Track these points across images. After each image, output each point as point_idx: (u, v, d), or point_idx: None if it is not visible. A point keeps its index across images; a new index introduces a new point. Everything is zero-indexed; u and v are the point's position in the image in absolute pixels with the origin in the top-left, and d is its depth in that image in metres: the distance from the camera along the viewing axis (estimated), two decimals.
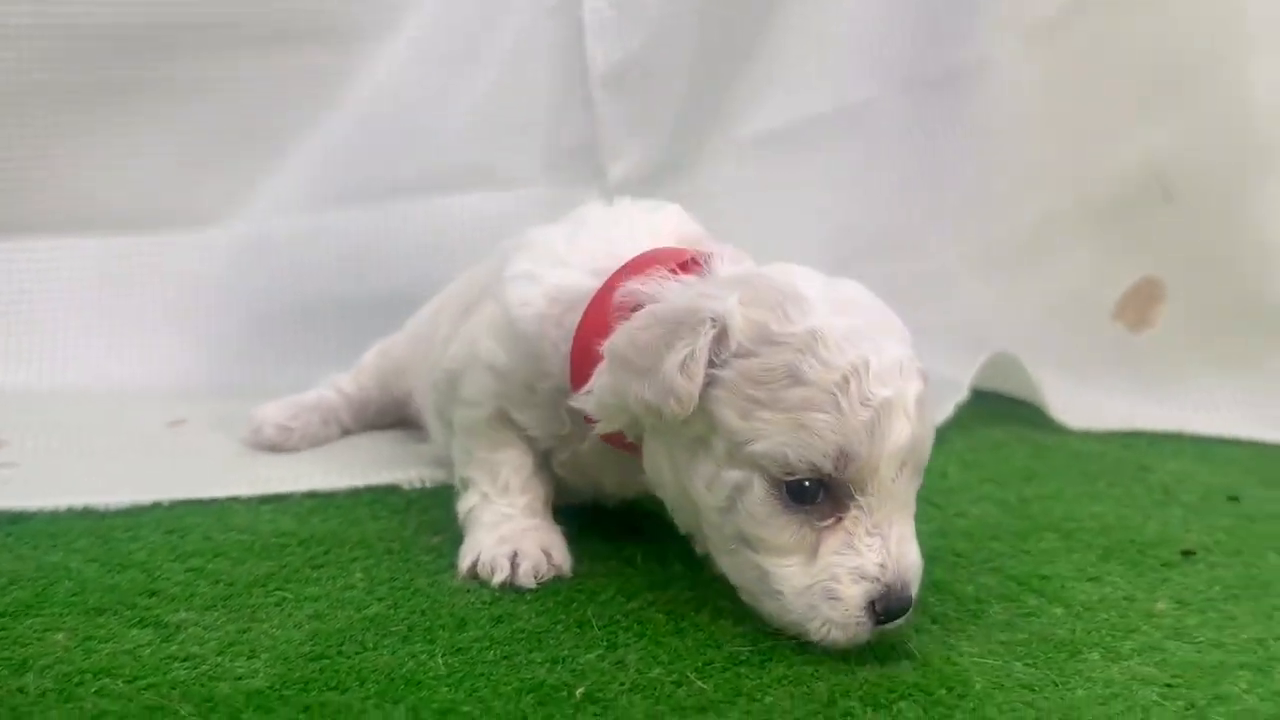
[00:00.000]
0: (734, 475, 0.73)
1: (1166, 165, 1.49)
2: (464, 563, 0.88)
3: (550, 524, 0.92)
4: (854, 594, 0.72)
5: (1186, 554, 0.99)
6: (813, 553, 0.73)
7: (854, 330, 0.73)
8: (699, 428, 0.75)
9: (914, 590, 0.74)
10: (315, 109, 1.54)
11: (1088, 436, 1.41)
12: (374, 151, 1.53)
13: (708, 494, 0.76)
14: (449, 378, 0.96)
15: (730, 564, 0.78)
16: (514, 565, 0.86)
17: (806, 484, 0.72)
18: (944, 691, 0.72)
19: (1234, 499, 1.17)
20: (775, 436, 0.71)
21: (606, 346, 0.79)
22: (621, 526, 1.01)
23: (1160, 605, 0.87)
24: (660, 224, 0.92)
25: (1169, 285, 1.51)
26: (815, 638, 0.73)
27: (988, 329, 1.58)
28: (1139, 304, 1.53)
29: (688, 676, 0.73)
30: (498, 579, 0.85)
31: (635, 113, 1.57)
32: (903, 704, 0.70)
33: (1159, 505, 1.15)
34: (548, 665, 0.74)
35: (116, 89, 1.45)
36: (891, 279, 1.37)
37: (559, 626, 0.80)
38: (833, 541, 0.72)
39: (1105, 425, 1.43)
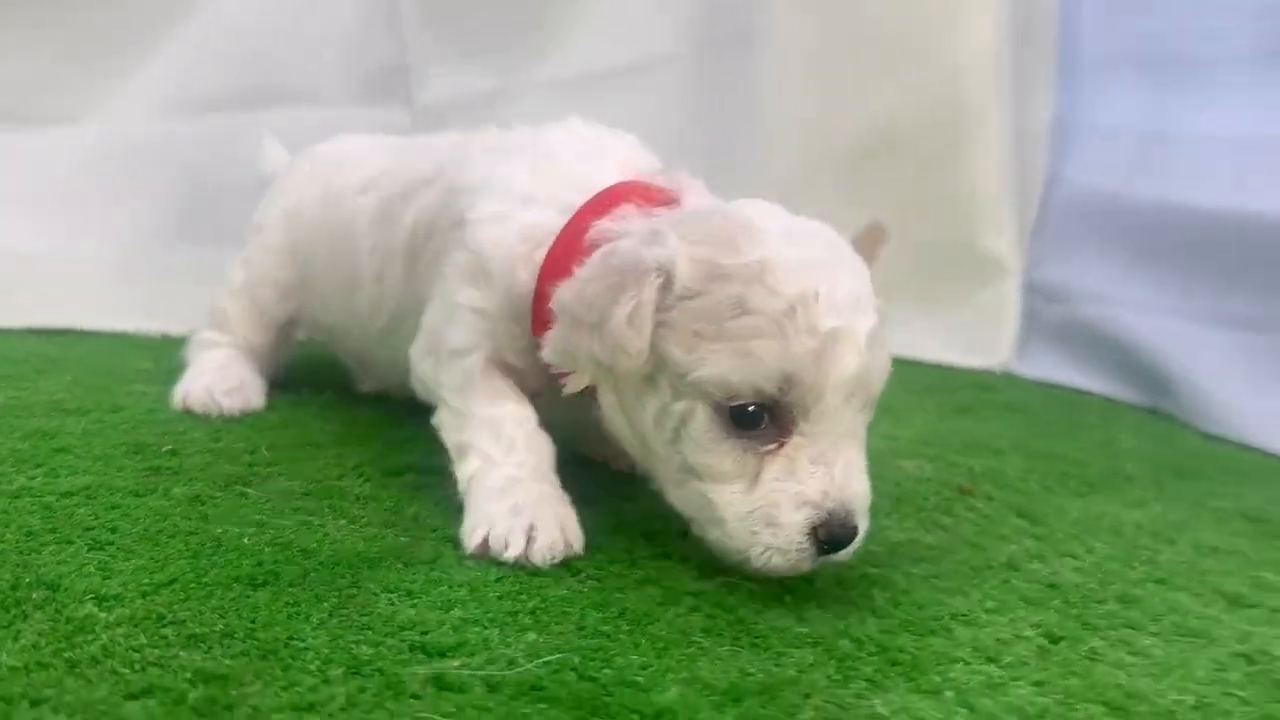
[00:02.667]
0: (680, 406, 0.73)
1: (893, 120, 1.69)
2: (474, 539, 0.77)
3: (560, 492, 0.82)
4: (795, 520, 0.71)
5: None
6: (754, 479, 0.72)
7: (806, 260, 0.72)
8: (646, 367, 0.74)
9: (860, 520, 0.72)
10: (168, 26, 1.76)
11: None
12: (213, 68, 1.76)
13: (656, 429, 0.75)
14: (431, 338, 0.90)
15: (679, 496, 0.77)
16: (529, 540, 0.77)
17: (750, 409, 0.71)
18: None
19: None
20: (719, 362, 0.71)
21: (555, 299, 0.76)
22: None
23: None
24: (625, 154, 0.90)
25: (892, 229, 1.72)
26: (757, 564, 0.72)
27: None
28: (865, 245, 1.73)
29: (261, 449, 0.97)
30: (511, 554, 0.76)
31: (443, 43, 1.79)
32: None
33: None
34: (158, 436, 0.98)
35: None
36: None
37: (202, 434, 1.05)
38: (774, 468, 0.72)
39: None
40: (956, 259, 1.68)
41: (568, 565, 0.77)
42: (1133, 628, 0.76)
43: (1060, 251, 1.68)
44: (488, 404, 0.84)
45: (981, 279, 1.67)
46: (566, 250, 0.80)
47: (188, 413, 1.06)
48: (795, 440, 0.72)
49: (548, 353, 0.78)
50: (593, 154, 0.88)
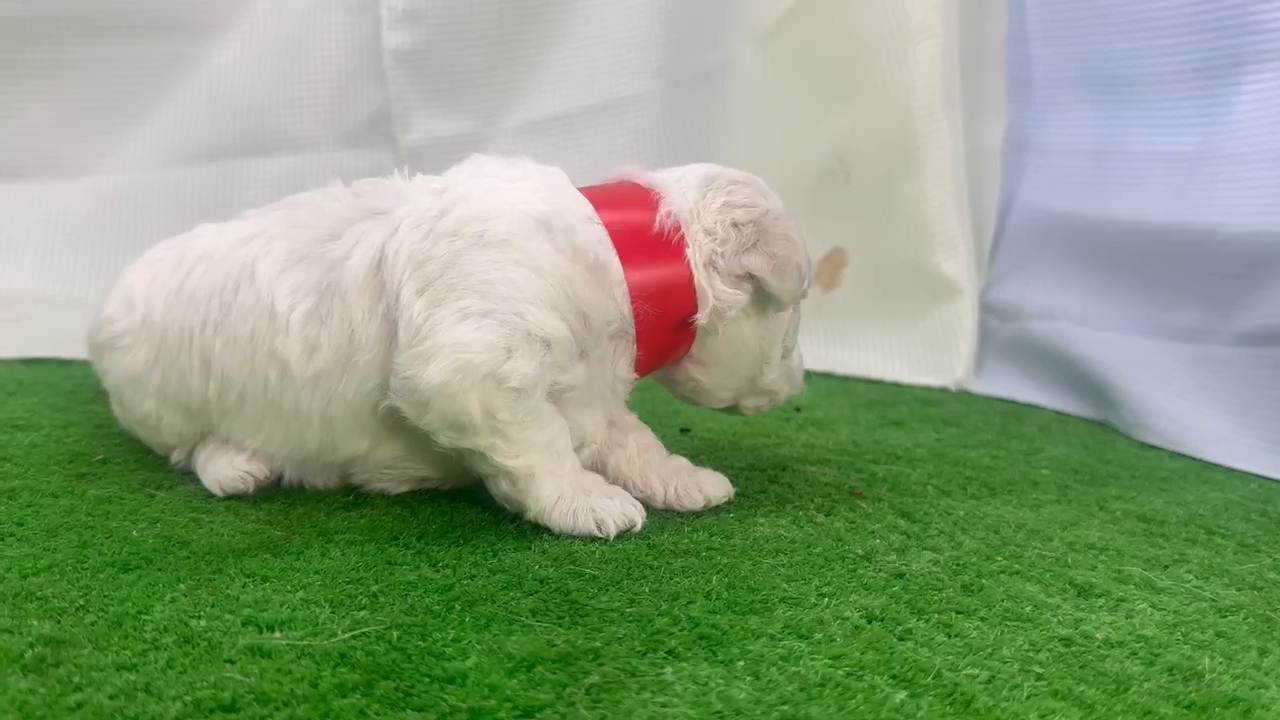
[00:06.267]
0: (786, 313, 1.02)
1: (847, 149, 1.74)
2: (609, 529, 0.92)
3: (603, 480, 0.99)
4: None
5: (684, 430, 1.26)
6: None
7: None
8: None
9: None
10: (170, 85, 1.90)
11: None
12: (210, 120, 1.89)
13: (771, 337, 1.02)
14: (487, 377, 0.87)
15: (773, 380, 1.05)
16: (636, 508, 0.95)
17: None
18: None
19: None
20: (798, 276, 0.98)
21: (751, 268, 0.97)
22: None
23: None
24: (535, 168, 1.00)
25: (850, 253, 1.76)
26: (795, 390, 1.09)
27: None
28: (829, 269, 1.77)
29: None
30: (641, 524, 0.94)
31: (424, 90, 1.89)
32: None
33: None
34: (95, 447, 1.07)
35: (4, 65, 1.84)
36: None
37: None
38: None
39: None
40: (912, 280, 1.71)
41: (426, 554, 0.83)
42: (961, 613, 0.79)
43: (1013, 270, 1.70)
44: (540, 426, 0.92)
45: (935, 299, 1.69)
46: (642, 241, 0.97)
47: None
48: None
49: (729, 310, 0.98)
50: (546, 179, 0.99)
